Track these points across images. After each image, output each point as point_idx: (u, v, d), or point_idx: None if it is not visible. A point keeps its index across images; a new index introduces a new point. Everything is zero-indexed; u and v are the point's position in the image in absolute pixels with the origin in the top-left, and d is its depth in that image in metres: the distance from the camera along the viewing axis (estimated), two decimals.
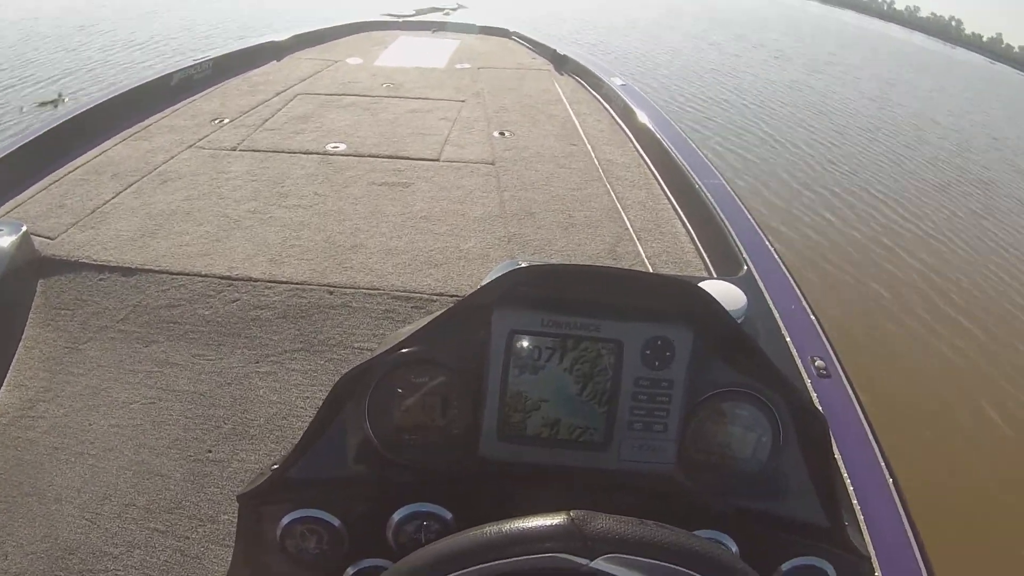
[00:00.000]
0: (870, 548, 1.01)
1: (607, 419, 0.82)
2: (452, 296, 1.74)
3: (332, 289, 1.77)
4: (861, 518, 1.09)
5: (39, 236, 1.91)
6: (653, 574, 0.55)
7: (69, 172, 2.36)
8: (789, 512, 0.84)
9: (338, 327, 1.68)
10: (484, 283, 0.82)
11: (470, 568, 0.56)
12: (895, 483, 1.18)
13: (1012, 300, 5.50)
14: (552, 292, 0.81)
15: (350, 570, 0.84)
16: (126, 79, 3.16)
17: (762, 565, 0.66)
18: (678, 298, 0.83)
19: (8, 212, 2.08)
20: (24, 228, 1.81)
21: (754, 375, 0.83)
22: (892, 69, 19.39)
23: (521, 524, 0.57)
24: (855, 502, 1.11)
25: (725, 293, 1.39)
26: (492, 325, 0.81)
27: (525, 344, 0.81)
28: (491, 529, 0.58)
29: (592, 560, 0.55)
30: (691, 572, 0.55)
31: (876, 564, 0.98)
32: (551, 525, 0.56)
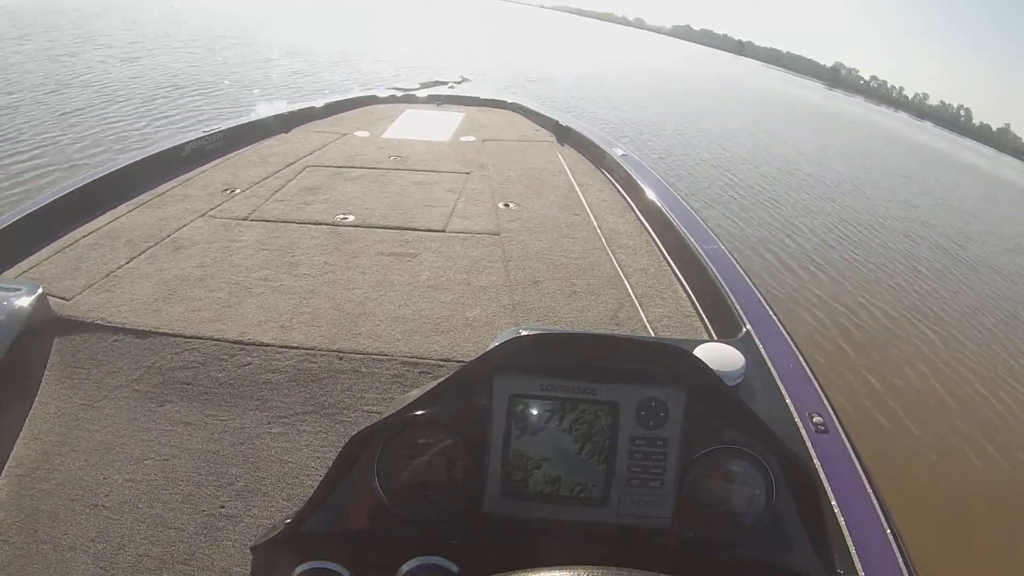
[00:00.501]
0: None
1: (605, 476, 0.86)
2: (459, 362, 1.77)
3: (342, 355, 1.80)
4: (860, 570, 1.10)
5: (55, 297, 1.95)
6: None
7: (84, 236, 2.41)
8: (786, 563, 0.87)
9: (347, 391, 1.71)
10: (487, 350, 0.87)
11: None
12: (895, 535, 1.19)
13: (1012, 355, 5.53)
14: (550, 358, 0.86)
15: None
16: (138, 149, 3.23)
17: None
18: (670, 363, 0.87)
19: (24, 272, 2.13)
20: (40, 289, 1.85)
21: (746, 432, 0.86)
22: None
23: None
24: (854, 555, 1.13)
25: (724, 354, 1.44)
26: (494, 390, 0.85)
27: (526, 407, 0.85)
28: None
29: None
30: None
31: None
32: None
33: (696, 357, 0.86)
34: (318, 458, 1.55)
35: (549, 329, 0.93)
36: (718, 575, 0.86)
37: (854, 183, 12.60)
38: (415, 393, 0.88)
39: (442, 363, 1.78)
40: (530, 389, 0.85)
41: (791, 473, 0.86)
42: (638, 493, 0.85)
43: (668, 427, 0.85)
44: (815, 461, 1.29)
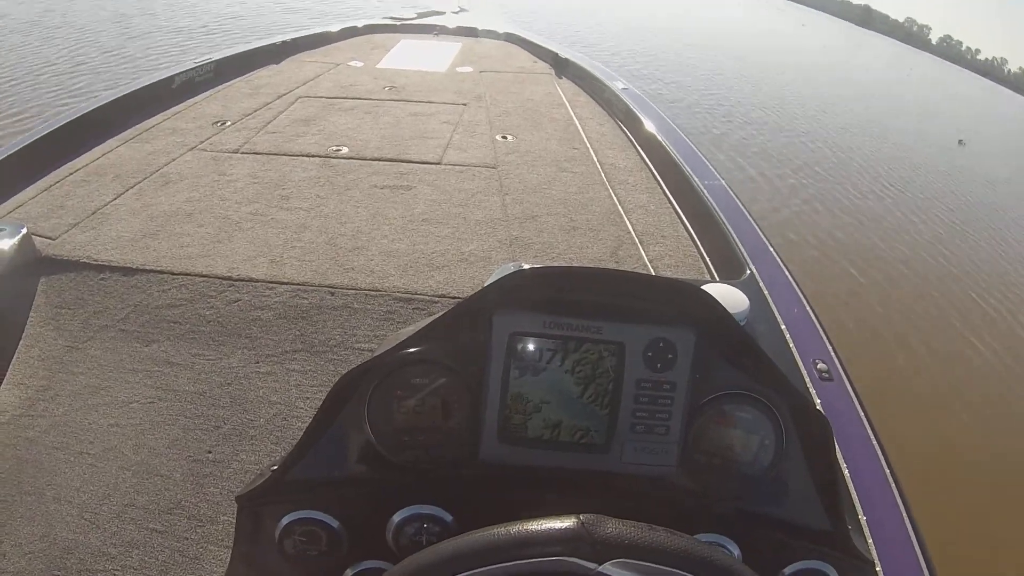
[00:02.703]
0: (873, 552, 1.00)
1: (609, 421, 0.81)
2: (453, 298, 1.74)
3: (333, 290, 1.76)
4: (864, 521, 1.08)
5: (40, 236, 1.91)
6: None
7: (70, 173, 2.36)
8: (792, 515, 0.84)
9: (339, 328, 1.68)
10: (486, 285, 0.82)
11: (477, 569, 0.55)
12: (898, 486, 1.18)
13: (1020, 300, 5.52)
14: (554, 294, 0.81)
15: (349, 572, 0.84)
16: (128, 81, 3.15)
17: (765, 568, 0.65)
18: (680, 301, 0.82)
19: (9, 213, 2.08)
20: (25, 229, 1.81)
21: (757, 378, 0.82)
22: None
23: (530, 526, 0.57)
24: (858, 505, 1.11)
25: (727, 296, 1.39)
26: (493, 327, 0.80)
27: (526, 346, 0.80)
28: (499, 531, 0.57)
29: (600, 565, 0.54)
30: None
31: (879, 568, 0.97)
32: (561, 528, 0.56)
33: (709, 294, 0.81)
34: (307, 399, 1.52)
35: (550, 265, 0.89)
36: (722, 527, 0.83)
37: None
38: (409, 330, 0.84)
39: (437, 299, 1.75)
40: (531, 327, 0.80)
41: (803, 423, 0.82)
42: (642, 440, 0.82)
43: (676, 370, 0.81)
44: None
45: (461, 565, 0.56)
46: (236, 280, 1.79)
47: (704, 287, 1.40)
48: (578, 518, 0.56)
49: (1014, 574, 2.79)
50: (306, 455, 0.82)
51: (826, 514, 0.83)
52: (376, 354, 0.81)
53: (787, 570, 0.82)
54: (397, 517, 0.82)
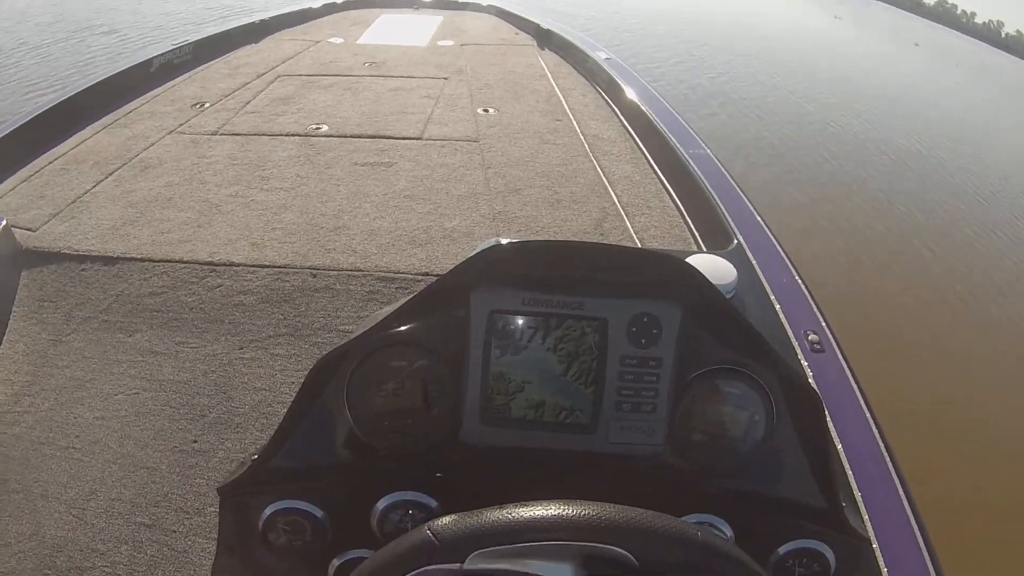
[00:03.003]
0: (869, 529, 0.99)
1: (594, 400, 0.80)
2: (437, 275, 1.71)
3: (315, 272, 1.75)
4: (859, 498, 1.07)
5: (20, 228, 1.88)
6: (528, 555, 0.54)
7: (49, 163, 2.33)
8: (785, 493, 0.83)
9: (322, 310, 1.66)
10: (465, 260, 0.80)
11: None
12: (893, 461, 1.16)
13: (1012, 273, 5.51)
14: (532, 270, 0.79)
15: (336, 561, 0.83)
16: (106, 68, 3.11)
17: (759, 548, 0.64)
18: (664, 273, 0.80)
19: None
20: (4, 221, 1.79)
21: (745, 352, 0.80)
22: None
23: (388, 551, 0.57)
24: (853, 482, 1.10)
25: (715, 267, 1.37)
26: (472, 305, 0.79)
27: (507, 324, 0.79)
28: (365, 565, 0.58)
29: (463, 563, 0.54)
30: (564, 541, 0.54)
31: (876, 545, 0.96)
32: (413, 543, 0.56)
33: (694, 267, 0.79)
34: (292, 384, 1.51)
35: (529, 239, 0.88)
36: (714, 507, 0.81)
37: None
38: (387, 310, 0.82)
39: (420, 277, 1.74)
40: (511, 304, 0.78)
41: (794, 397, 0.80)
42: (629, 418, 0.80)
43: (661, 345, 0.79)
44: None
45: None
46: (217, 265, 1.77)
47: (690, 258, 1.38)
48: (428, 528, 0.56)
49: (1012, 548, 2.79)
50: (286, 443, 0.81)
51: (820, 492, 0.82)
52: (352, 336, 0.79)
53: (782, 550, 0.81)
54: (381, 504, 0.80)
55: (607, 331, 0.79)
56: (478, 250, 0.80)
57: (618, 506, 0.56)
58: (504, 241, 0.79)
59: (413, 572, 0.54)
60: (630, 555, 0.53)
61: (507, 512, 0.55)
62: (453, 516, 0.56)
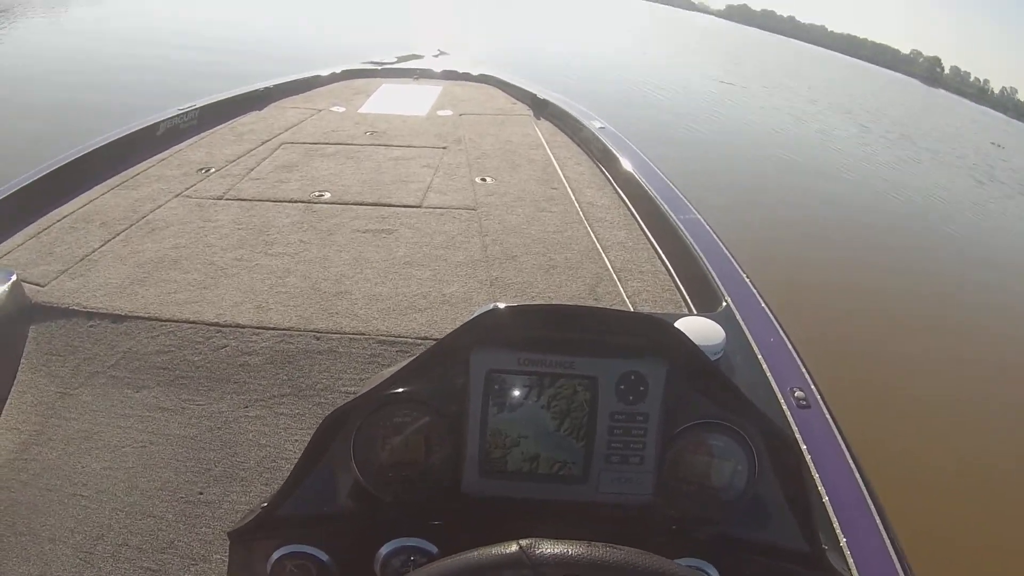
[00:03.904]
0: (854, 572, 1.03)
1: (585, 453, 0.84)
2: (435, 339, 1.74)
3: (318, 335, 1.78)
4: (844, 544, 1.10)
5: (29, 283, 1.92)
6: None
7: (58, 220, 2.38)
8: (769, 538, 0.86)
9: (325, 371, 1.70)
10: (464, 323, 0.85)
11: None
12: (879, 509, 1.19)
13: (999, 330, 5.56)
14: (527, 332, 0.84)
15: None
16: (113, 128, 3.18)
17: None
18: (649, 334, 0.86)
19: None
20: (14, 276, 1.82)
21: (727, 406, 0.85)
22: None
23: (477, 555, 0.60)
24: (837, 528, 1.13)
25: (704, 329, 1.43)
26: (471, 365, 0.84)
27: (503, 383, 0.84)
28: (449, 562, 0.60)
29: None
30: None
31: None
32: (503, 554, 0.59)
33: (676, 328, 0.85)
34: (296, 441, 1.54)
35: (523, 303, 0.93)
36: (702, 551, 0.85)
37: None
38: (391, 370, 0.87)
39: (420, 341, 1.77)
40: (507, 364, 0.83)
41: (774, 448, 0.85)
42: (618, 470, 0.84)
43: (648, 401, 0.84)
44: (797, 436, 1.29)
45: None
46: (223, 326, 1.81)
47: (680, 321, 1.44)
48: (518, 543, 0.59)
49: None
50: (295, 492, 0.85)
51: (802, 536, 0.86)
52: (359, 394, 0.84)
53: None
54: (384, 550, 0.84)
55: (597, 389, 0.84)
56: (476, 315, 0.86)
57: (676, 563, 0.60)
58: (500, 306, 0.85)
59: None
60: None
61: (599, 549, 0.59)
62: (551, 540, 0.59)
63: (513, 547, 0.59)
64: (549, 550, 0.59)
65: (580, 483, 0.85)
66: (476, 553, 0.60)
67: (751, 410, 0.85)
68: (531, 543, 0.59)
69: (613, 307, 1.90)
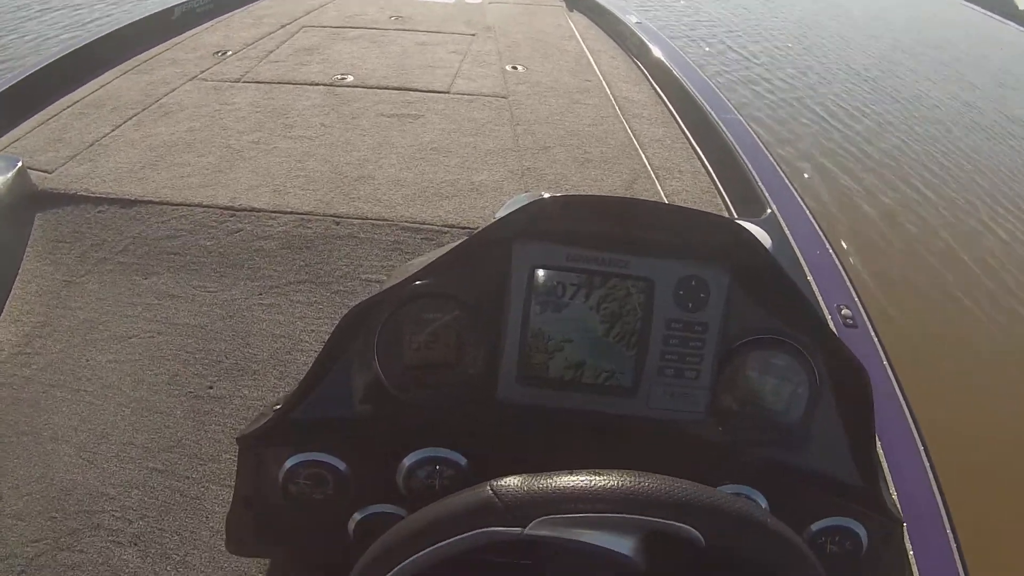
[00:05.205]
0: (899, 510, 0.98)
1: (636, 363, 0.77)
2: (463, 228, 1.70)
3: (338, 219, 1.72)
4: (890, 478, 1.06)
5: (36, 170, 1.86)
6: (592, 526, 0.52)
7: (67, 106, 2.30)
8: (823, 469, 0.81)
9: (344, 258, 1.64)
10: (499, 215, 0.77)
11: (413, 557, 0.54)
12: (924, 443, 1.15)
13: None
14: (579, 225, 0.76)
15: (357, 516, 0.81)
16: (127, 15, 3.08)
17: (792, 523, 0.62)
18: (717, 235, 0.77)
19: (5, 148, 2.03)
20: (20, 162, 1.76)
21: (792, 322, 0.78)
22: None
23: (447, 503, 0.55)
24: (884, 462, 1.08)
25: None
26: (512, 259, 0.75)
27: (548, 280, 0.75)
28: (420, 515, 0.56)
29: (525, 528, 0.52)
30: (630, 515, 0.52)
31: (904, 527, 0.95)
32: (474, 501, 0.54)
33: (749, 231, 0.76)
34: (312, 332, 1.49)
35: (573, 194, 0.86)
36: (750, 478, 0.79)
37: None
38: (420, 260, 0.79)
39: (446, 229, 1.71)
40: (554, 259, 0.75)
41: (839, 374, 0.78)
42: (671, 383, 0.77)
43: (709, 310, 0.76)
44: None
45: (393, 558, 0.55)
46: (238, 210, 1.74)
47: None
48: (490, 485, 0.54)
49: None
50: (311, 394, 0.78)
51: (858, 470, 0.80)
52: (385, 286, 0.76)
53: (815, 526, 0.79)
54: (408, 460, 0.78)
55: (653, 293, 0.76)
56: (508, 205, 0.78)
57: (692, 483, 0.54)
58: (544, 194, 0.76)
59: (471, 532, 0.52)
60: (699, 534, 0.51)
61: (576, 479, 0.53)
62: (518, 478, 0.54)
63: (485, 489, 0.55)
64: (522, 487, 0.54)
65: (628, 396, 0.77)
66: (449, 501, 0.56)
67: (820, 326, 0.78)
68: (503, 484, 0.54)
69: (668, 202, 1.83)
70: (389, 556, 0.55)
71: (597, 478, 0.53)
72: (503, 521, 0.52)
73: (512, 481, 0.54)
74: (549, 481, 0.53)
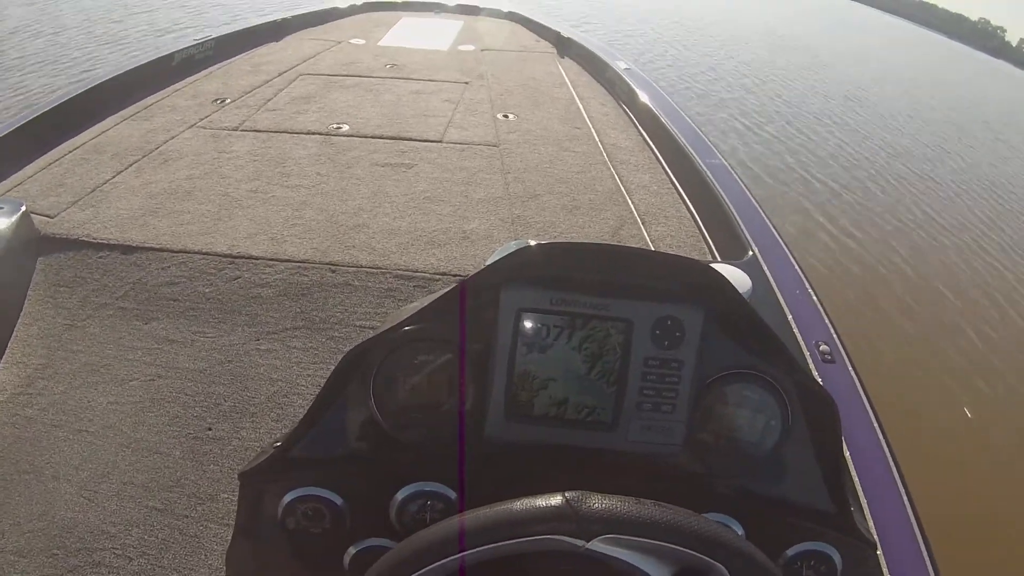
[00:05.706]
0: (874, 534, 1.00)
1: (616, 399, 0.81)
2: (455, 276, 1.73)
3: (334, 267, 1.75)
4: (865, 504, 1.08)
5: (39, 215, 1.89)
6: (650, 554, 0.55)
7: (69, 151, 2.34)
8: (796, 496, 0.84)
9: (339, 305, 1.67)
10: (489, 262, 0.81)
11: (469, 551, 0.55)
12: (899, 470, 1.18)
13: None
14: (562, 271, 0.80)
15: (352, 550, 0.83)
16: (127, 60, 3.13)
17: (768, 549, 0.65)
18: (689, 277, 0.82)
19: (8, 191, 2.06)
20: (24, 207, 1.79)
21: (764, 357, 0.81)
22: None
23: (517, 506, 0.57)
24: (859, 488, 1.11)
25: (730, 277, 1.38)
26: (500, 303, 0.80)
27: (533, 323, 0.80)
28: (487, 512, 0.57)
29: (588, 542, 0.54)
30: (689, 551, 0.55)
31: (880, 551, 0.98)
32: (547, 507, 0.56)
33: (720, 273, 0.81)
34: (308, 376, 1.52)
35: (557, 241, 0.89)
36: (726, 506, 0.82)
37: None
38: (414, 306, 0.83)
39: (438, 276, 1.74)
40: (539, 303, 0.80)
41: (809, 405, 0.82)
42: (649, 417, 0.81)
43: (684, 348, 0.80)
44: None
45: (451, 547, 0.56)
46: (236, 257, 1.78)
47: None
48: (564, 495, 0.56)
49: (1012, 559, 2.78)
50: (310, 432, 0.82)
51: (830, 496, 0.83)
52: (381, 330, 0.81)
53: (790, 552, 0.82)
54: (401, 494, 0.81)
55: (632, 332, 0.80)
56: (498, 252, 0.81)
57: (727, 529, 0.58)
58: (531, 242, 0.81)
59: (534, 537, 0.55)
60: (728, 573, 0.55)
61: (650, 508, 0.56)
62: (599, 495, 0.56)
63: (558, 499, 0.56)
64: (597, 505, 0.56)
65: (608, 430, 0.81)
66: (519, 504, 0.57)
67: (790, 362, 0.81)
68: (578, 496, 0.56)
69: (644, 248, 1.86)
70: (444, 546, 0.56)
71: (667, 511, 0.56)
72: (571, 532, 0.55)
73: (592, 496, 0.56)
74: (628, 504, 0.56)
